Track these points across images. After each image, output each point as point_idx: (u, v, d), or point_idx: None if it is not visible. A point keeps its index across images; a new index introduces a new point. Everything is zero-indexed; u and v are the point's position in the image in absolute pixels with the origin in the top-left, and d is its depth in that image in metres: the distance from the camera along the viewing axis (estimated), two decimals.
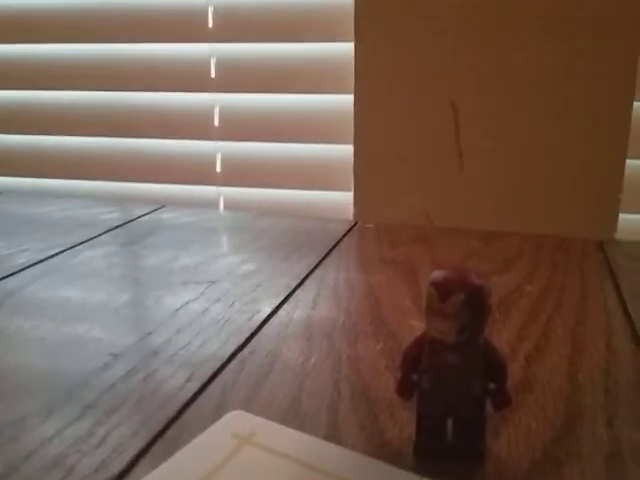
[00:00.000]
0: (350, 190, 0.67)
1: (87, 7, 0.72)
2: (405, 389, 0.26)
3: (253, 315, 0.41)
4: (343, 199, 0.69)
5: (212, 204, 0.74)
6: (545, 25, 0.59)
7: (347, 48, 0.64)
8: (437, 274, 0.25)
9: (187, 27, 0.70)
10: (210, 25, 0.69)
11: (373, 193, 0.66)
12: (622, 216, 0.64)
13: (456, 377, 0.25)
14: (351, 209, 0.67)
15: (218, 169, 0.73)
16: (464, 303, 0.24)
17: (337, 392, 0.32)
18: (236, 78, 0.70)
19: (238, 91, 0.71)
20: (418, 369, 0.26)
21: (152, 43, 0.72)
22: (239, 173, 0.73)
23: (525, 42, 0.60)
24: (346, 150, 0.67)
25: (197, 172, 0.74)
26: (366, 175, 0.66)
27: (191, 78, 0.71)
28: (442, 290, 0.24)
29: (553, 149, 0.62)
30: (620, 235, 0.63)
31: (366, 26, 0.63)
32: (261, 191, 0.73)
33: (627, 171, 0.62)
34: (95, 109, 0.75)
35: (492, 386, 0.26)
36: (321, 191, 0.70)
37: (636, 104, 0.60)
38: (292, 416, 0.29)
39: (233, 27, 0.69)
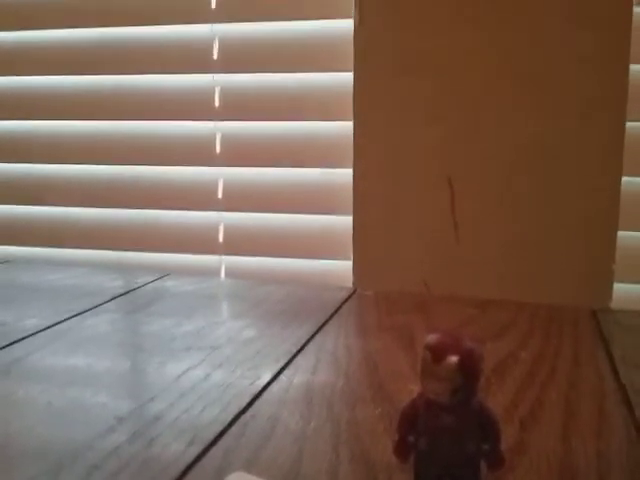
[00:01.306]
0: (349, 259, 0.69)
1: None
2: (403, 450, 0.27)
3: (254, 380, 0.42)
4: (343, 267, 0.71)
5: (214, 272, 0.76)
6: (534, 95, 0.63)
7: (347, 126, 0.68)
8: (431, 337, 0.26)
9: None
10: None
11: (372, 261, 0.68)
12: (617, 285, 0.66)
13: (451, 438, 0.26)
14: (350, 277, 0.69)
15: (220, 239, 0.76)
16: (457, 365, 0.25)
17: (336, 455, 0.32)
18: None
19: (242, 165, 0.74)
20: (415, 431, 0.27)
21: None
22: (241, 242, 0.76)
23: (516, 118, 0.63)
24: (346, 220, 0.69)
25: (200, 242, 0.76)
26: (365, 244, 0.68)
27: (197, 152, 0.75)
28: (436, 353, 0.25)
29: (547, 220, 0.64)
30: (615, 304, 0.65)
31: (365, 103, 0.67)
32: (262, 260, 0.75)
33: (619, 242, 0.64)
34: (99, 180, 0.78)
35: (486, 447, 0.27)
36: (321, 260, 0.73)
37: (625, 179, 0.63)
38: (293, 478, 0.30)
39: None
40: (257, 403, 0.38)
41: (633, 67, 0.63)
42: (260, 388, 0.40)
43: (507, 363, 0.45)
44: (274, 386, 0.41)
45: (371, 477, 0.30)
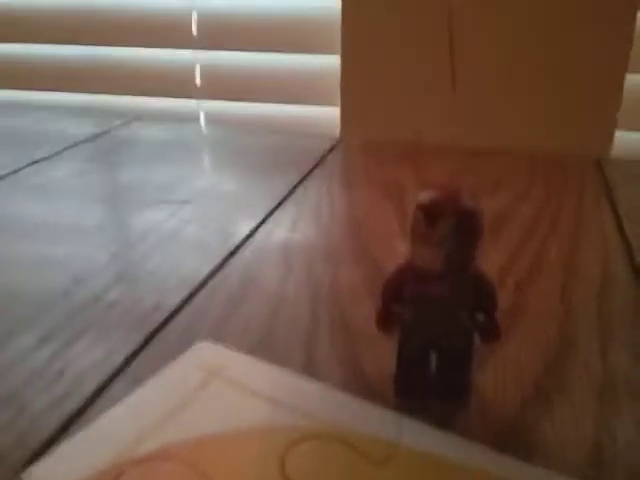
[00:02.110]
0: (337, 105, 0.63)
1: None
2: (386, 321, 0.24)
3: (227, 238, 0.38)
4: (330, 115, 0.65)
5: (192, 119, 0.70)
6: None
7: None
8: (424, 196, 0.22)
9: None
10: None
11: (361, 108, 0.62)
12: (618, 134, 0.61)
13: (442, 308, 0.23)
14: (338, 125, 0.64)
15: (198, 81, 0.69)
16: (454, 229, 0.21)
17: (314, 322, 0.29)
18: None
19: None
20: (400, 300, 0.24)
21: None
22: (220, 85, 0.69)
23: None
24: (333, 62, 0.62)
25: (175, 84, 0.69)
26: (354, 90, 0.62)
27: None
28: (430, 214, 0.21)
29: (550, 64, 0.58)
30: (615, 153, 0.60)
31: None
32: (243, 105, 0.69)
33: (626, 88, 0.58)
34: (70, 14, 0.69)
35: (481, 317, 0.24)
36: (307, 106, 0.66)
37: None
38: (265, 348, 0.27)
39: None
40: (230, 263, 0.35)
41: None
42: (233, 247, 0.37)
43: (505, 218, 0.42)
44: (249, 244, 0.37)
45: (352, 348, 0.28)
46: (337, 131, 0.63)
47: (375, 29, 0.59)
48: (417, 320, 0.23)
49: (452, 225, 0.21)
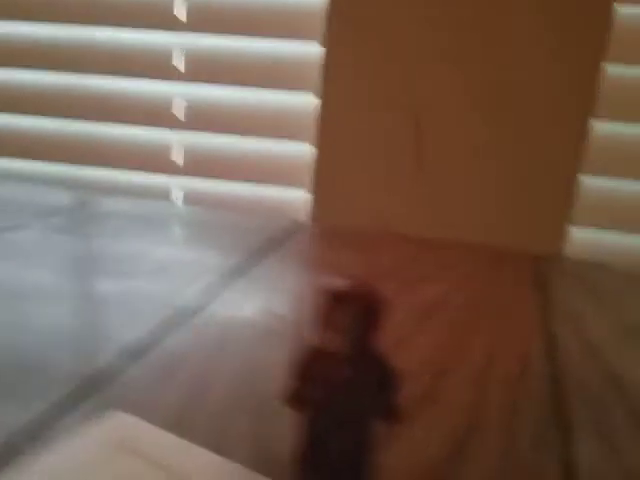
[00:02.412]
0: (310, 189, 0.66)
1: None
2: (295, 400, 0.25)
3: (169, 312, 0.39)
4: (303, 198, 0.67)
5: (166, 195, 0.73)
6: (503, 41, 0.59)
7: (313, 48, 0.63)
8: (329, 284, 0.23)
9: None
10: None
11: (332, 193, 0.65)
12: (574, 230, 0.64)
13: (346, 390, 0.24)
14: (310, 208, 0.66)
15: (174, 159, 0.72)
16: (354, 315, 0.23)
17: (237, 400, 0.30)
18: (200, 68, 0.69)
19: (201, 81, 0.69)
20: (309, 380, 0.25)
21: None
22: (197, 164, 0.71)
23: (485, 55, 0.59)
24: (307, 149, 0.66)
25: (152, 161, 0.72)
26: (327, 175, 0.65)
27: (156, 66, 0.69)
28: (333, 301, 0.23)
29: (510, 162, 0.61)
30: (569, 249, 0.63)
31: (336, 29, 0.62)
32: (218, 185, 0.72)
33: (579, 186, 0.62)
34: (49, 89, 0.72)
35: (383, 400, 0.25)
36: (281, 188, 0.69)
37: (593, 122, 0.61)
38: (180, 423, 0.28)
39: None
40: (166, 338, 0.36)
41: (617, 7, 0.59)
42: (173, 322, 0.38)
43: (436, 308, 0.44)
44: (189, 321, 0.38)
45: (268, 426, 0.28)
46: (306, 214, 0.66)
47: (350, 121, 0.63)
48: (323, 402, 0.25)
49: (353, 312, 0.23)
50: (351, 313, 0.23)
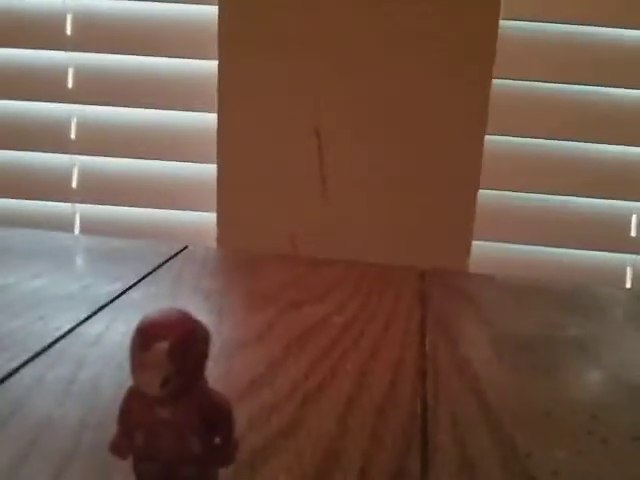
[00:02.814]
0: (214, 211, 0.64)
1: None
2: (119, 446, 0.23)
3: (18, 354, 0.36)
4: (209, 220, 0.65)
5: (67, 222, 0.69)
6: (405, 52, 0.59)
7: (211, 66, 0.62)
8: (144, 318, 0.22)
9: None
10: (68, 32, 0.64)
11: (237, 215, 0.63)
12: (476, 244, 0.65)
13: (170, 433, 0.22)
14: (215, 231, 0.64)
15: (74, 185, 0.68)
16: (167, 352, 0.21)
17: (75, 448, 0.28)
18: (94, 88, 0.66)
19: (96, 103, 0.66)
20: (132, 424, 0.23)
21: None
22: (97, 189, 0.68)
23: (385, 67, 0.60)
24: (212, 169, 0.64)
25: (52, 187, 0.68)
26: (229, 197, 0.63)
27: (49, 87, 0.66)
28: (144, 337, 0.21)
29: (412, 177, 0.62)
30: (474, 262, 0.64)
31: (231, 45, 0.61)
32: (122, 210, 0.68)
33: (479, 201, 0.63)
34: None
35: (218, 441, 0.23)
36: (185, 211, 0.67)
37: (487, 137, 0.62)
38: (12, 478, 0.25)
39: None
40: (7, 383, 0.33)
41: (502, 23, 0.60)
42: (20, 363, 0.35)
43: (316, 329, 0.43)
44: (38, 361, 0.36)
45: (105, 475, 0.26)
46: (213, 238, 0.64)
47: (250, 140, 0.62)
48: (147, 446, 0.23)
49: (167, 348, 0.21)
50: (164, 349, 0.21)
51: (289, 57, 0.60)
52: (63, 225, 0.69)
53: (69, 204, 0.68)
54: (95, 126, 0.66)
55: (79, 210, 0.69)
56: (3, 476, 0.26)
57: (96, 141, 0.66)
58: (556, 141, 0.65)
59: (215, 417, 0.23)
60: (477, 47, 0.60)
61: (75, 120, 0.66)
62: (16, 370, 0.34)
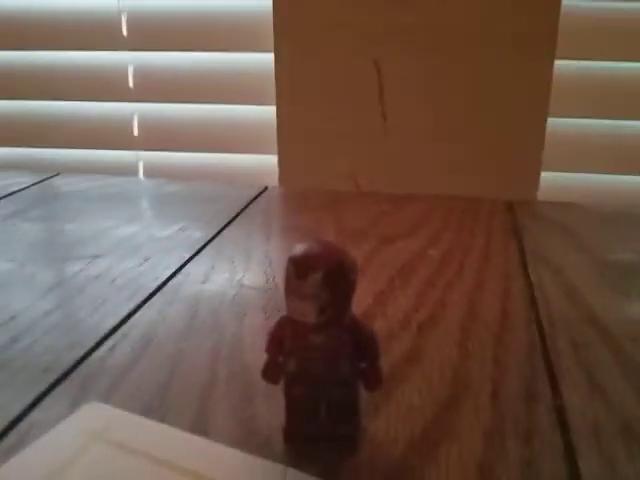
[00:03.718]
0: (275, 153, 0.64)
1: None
2: (271, 372, 0.24)
3: (135, 292, 0.38)
4: (271, 163, 0.65)
5: (131, 170, 0.70)
6: None
7: (266, 6, 0.60)
8: (297, 250, 0.22)
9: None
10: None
11: (297, 156, 0.63)
12: (544, 174, 0.63)
13: (322, 359, 0.23)
14: (277, 173, 0.64)
15: (135, 132, 0.69)
16: (323, 281, 0.21)
17: (213, 375, 0.29)
18: (150, 34, 0.65)
19: (153, 49, 0.66)
20: (283, 351, 0.24)
21: None
22: (158, 136, 0.69)
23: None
24: (271, 112, 0.63)
25: (113, 136, 0.69)
26: (290, 138, 0.63)
27: (105, 36, 0.66)
28: (300, 267, 0.22)
29: (475, 109, 0.60)
30: (542, 194, 0.63)
31: None
32: (184, 156, 0.69)
33: (548, 130, 0.61)
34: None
35: (363, 366, 0.24)
36: (248, 155, 0.67)
37: (557, 62, 0.59)
38: (158, 405, 0.27)
39: None
40: (133, 319, 0.35)
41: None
42: (140, 301, 0.37)
43: (414, 262, 0.43)
44: (157, 299, 0.37)
45: (246, 399, 0.28)
46: (275, 179, 0.64)
47: (308, 80, 0.61)
48: (299, 371, 0.24)
49: (322, 278, 0.21)
50: (320, 279, 0.21)
51: None
52: (128, 173, 0.70)
53: (132, 152, 0.69)
54: (153, 73, 0.66)
55: (142, 157, 0.70)
56: (154, 402, 0.27)
57: (155, 88, 0.67)
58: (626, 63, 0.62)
59: (363, 343, 0.24)
60: None
61: (132, 68, 0.66)
62: (138, 307, 0.36)
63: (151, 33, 0.65)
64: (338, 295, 0.22)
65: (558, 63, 0.60)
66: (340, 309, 0.23)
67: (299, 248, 0.22)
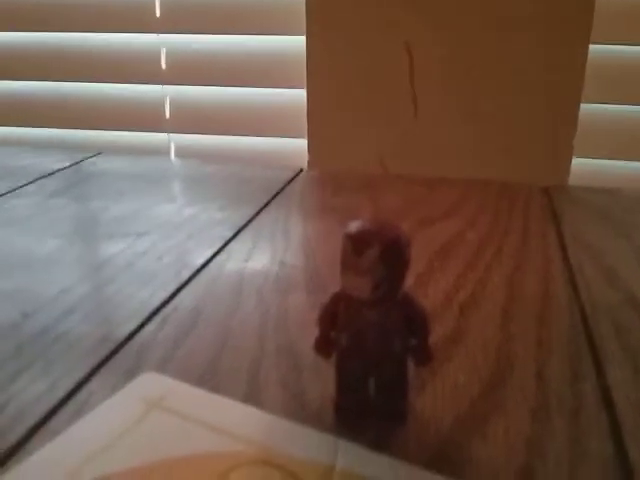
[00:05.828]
0: (305, 137, 0.65)
1: None
2: (323, 346, 0.25)
3: (181, 269, 0.39)
4: (298, 146, 0.66)
5: (162, 151, 0.71)
6: None
7: None
8: (352, 226, 0.23)
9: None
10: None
11: (327, 139, 0.64)
12: (576, 160, 0.63)
13: (375, 334, 0.24)
14: (306, 156, 0.65)
15: (167, 115, 0.70)
16: (380, 257, 0.22)
17: (261, 349, 0.30)
18: (182, 19, 0.66)
19: (185, 32, 0.66)
20: (336, 326, 0.24)
21: None
22: (189, 119, 0.70)
23: None
24: (301, 95, 0.64)
25: (145, 118, 0.70)
26: (320, 121, 0.64)
27: (138, 18, 0.67)
28: (357, 243, 0.22)
29: (507, 94, 0.60)
30: (573, 180, 0.62)
31: None
32: (214, 138, 0.70)
33: (580, 116, 0.60)
34: (39, 51, 0.70)
35: (414, 342, 0.25)
36: (276, 138, 0.68)
37: (591, 46, 0.59)
38: (210, 376, 0.28)
39: None
40: (181, 294, 0.36)
41: None
42: (186, 278, 0.38)
43: (453, 244, 0.43)
44: (202, 275, 0.38)
45: (296, 372, 0.28)
46: (305, 162, 0.64)
47: (338, 63, 0.61)
48: (352, 346, 0.24)
49: (378, 254, 0.22)
50: (376, 255, 0.22)
51: None
52: (160, 154, 0.71)
53: (164, 134, 0.70)
54: (185, 57, 0.67)
55: (173, 139, 0.71)
56: (206, 374, 0.28)
57: (186, 71, 0.67)
58: None
59: (414, 320, 0.24)
60: None
61: (165, 50, 0.67)
62: (185, 283, 0.37)
63: (183, 16, 0.66)
64: (393, 271, 0.23)
65: (592, 47, 0.59)
66: (394, 285, 0.23)
67: (355, 225, 0.23)
